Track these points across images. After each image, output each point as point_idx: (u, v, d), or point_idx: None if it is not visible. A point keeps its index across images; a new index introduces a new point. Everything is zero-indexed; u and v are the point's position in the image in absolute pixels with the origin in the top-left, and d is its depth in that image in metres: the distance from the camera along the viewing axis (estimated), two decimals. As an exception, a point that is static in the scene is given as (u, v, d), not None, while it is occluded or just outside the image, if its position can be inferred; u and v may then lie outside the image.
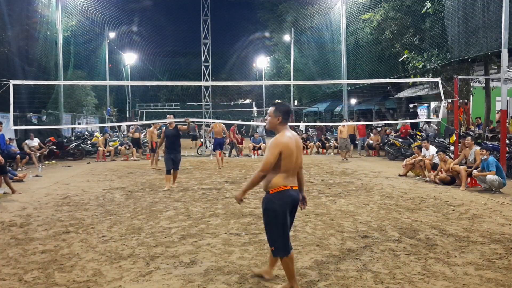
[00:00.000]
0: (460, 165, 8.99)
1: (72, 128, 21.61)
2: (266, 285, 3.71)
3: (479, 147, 9.06)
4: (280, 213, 3.43)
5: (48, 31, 18.49)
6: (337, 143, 17.90)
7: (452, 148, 11.39)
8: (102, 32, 27.59)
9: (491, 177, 8.02)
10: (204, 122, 18.56)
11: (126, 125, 23.87)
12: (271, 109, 3.58)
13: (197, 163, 13.36)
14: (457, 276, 3.90)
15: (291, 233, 5.30)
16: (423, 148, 10.46)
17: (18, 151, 13.16)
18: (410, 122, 17.46)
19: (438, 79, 11.10)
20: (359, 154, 16.96)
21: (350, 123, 17.14)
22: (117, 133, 23.33)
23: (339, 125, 17.92)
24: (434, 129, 15.69)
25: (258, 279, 3.84)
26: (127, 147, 16.63)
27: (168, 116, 9.18)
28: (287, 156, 3.43)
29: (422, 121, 17.98)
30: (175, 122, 9.22)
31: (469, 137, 9.37)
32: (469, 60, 13.34)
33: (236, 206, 7.08)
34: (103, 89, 30.61)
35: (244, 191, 3.58)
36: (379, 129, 17.34)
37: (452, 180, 9.13)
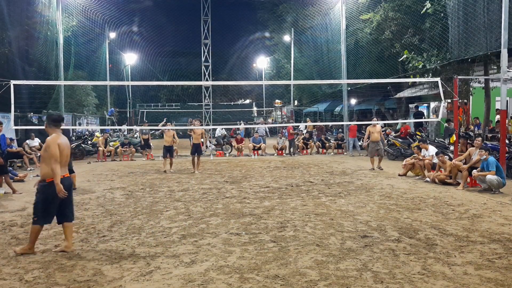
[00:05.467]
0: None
1: (72, 128, 21.65)
2: (266, 285, 3.73)
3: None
4: (50, 196, 4.56)
5: (49, 31, 18.49)
6: (338, 142, 17.92)
7: (452, 148, 11.40)
8: (103, 32, 27.59)
9: (491, 177, 8.03)
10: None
11: (127, 128, 23.95)
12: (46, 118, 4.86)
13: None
14: (456, 275, 3.91)
15: (290, 233, 5.34)
16: (422, 149, 10.49)
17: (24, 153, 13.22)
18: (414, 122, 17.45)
19: (437, 79, 11.11)
20: (351, 154, 16.97)
21: (381, 122, 14.66)
22: (118, 133, 23.35)
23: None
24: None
25: (257, 279, 3.86)
26: (126, 148, 16.62)
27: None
28: (61, 151, 4.58)
29: (424, 121, 17.96)
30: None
31: (480, 138, 9.52)
32: (469, 60, 13.35)
33: (236, 206, 7.09)
34: (104, 89, 30.63)
35: (58, 183, 4.54)
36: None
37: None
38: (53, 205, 4.65)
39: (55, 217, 4.79)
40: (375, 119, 13.51)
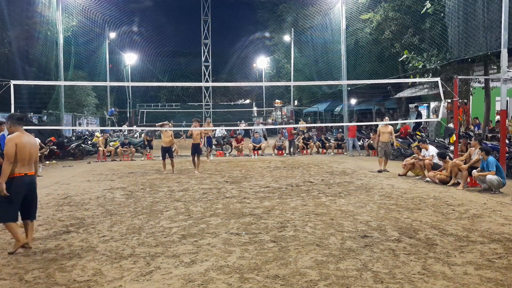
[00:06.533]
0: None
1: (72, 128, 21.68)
2: (266, 285, 3.73)
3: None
4: (13, 192, 4.59)
5: (49, 31, 18.52)
6: (338, 142, 17.89)
7: (452, 148, 11.40)
8: (103, 32, 27.62)
9: (491, 177, 8.03)
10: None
11: (127, 129, 24.03)
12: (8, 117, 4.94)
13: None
14: (456, 275, 3.91)
15: (291, 233, 5.34)
16: (422, 149, 10.49)
17: None
18: (414, 122, 17.43)
19: (437, 79, 11.11)
20: (351, 154, 17.00)
21: (391, 122, 13.99)
22: (118, 133, 23.36)
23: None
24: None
25: (257, 279, 3.86)
26: (127, 148, 16.62)
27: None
28: (20, 149, 4.64)
29: (423, 121, 17.95)
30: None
31: (473, 138, 9.53)
32: (469, 60, 13.35)
33: (236, 206, 7.09)
34: (104, 89, 30.65)
35: (2, 182, 4.55)
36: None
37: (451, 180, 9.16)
38: (16, 201, 4.66)
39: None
40: (386, 118, 13.07)
